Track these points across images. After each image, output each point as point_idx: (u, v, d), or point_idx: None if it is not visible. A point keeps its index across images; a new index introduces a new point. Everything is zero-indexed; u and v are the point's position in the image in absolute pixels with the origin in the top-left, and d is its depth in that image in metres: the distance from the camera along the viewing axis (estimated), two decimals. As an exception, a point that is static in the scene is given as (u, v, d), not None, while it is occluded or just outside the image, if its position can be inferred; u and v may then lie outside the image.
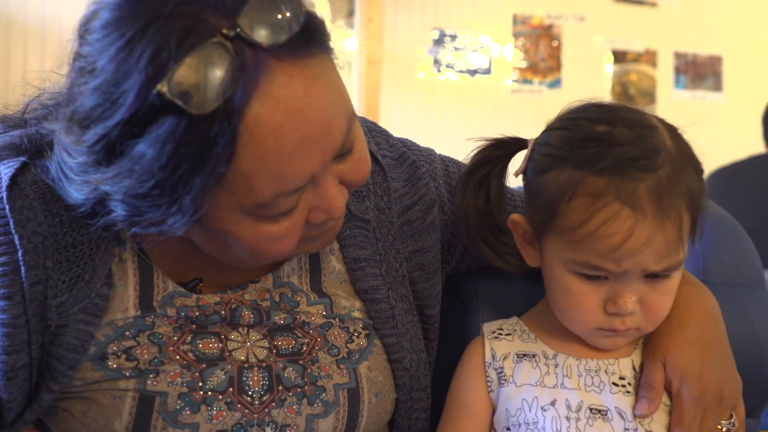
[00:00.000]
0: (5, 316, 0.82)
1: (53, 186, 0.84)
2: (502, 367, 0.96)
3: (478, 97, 4.39)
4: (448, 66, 4.34)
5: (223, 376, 0.88)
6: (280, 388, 0.91)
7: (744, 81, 4.80)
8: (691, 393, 0.91)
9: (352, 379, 0.95)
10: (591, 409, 0.91)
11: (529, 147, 0.96)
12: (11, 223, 0.82)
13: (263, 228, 0.81)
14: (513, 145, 1.01)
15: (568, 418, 0.90)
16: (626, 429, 0.90)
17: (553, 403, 0.92)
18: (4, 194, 0.84)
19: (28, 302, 0.82)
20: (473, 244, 1.04)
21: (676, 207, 0.84)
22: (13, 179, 0.85)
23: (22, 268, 0.82)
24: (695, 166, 0.88)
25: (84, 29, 0.77)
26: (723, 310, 1.04)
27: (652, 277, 0.88)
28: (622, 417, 0.91)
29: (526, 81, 4.49)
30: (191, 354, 0.89)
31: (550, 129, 0.94)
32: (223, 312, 0.92)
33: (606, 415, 0.91)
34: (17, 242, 0.82)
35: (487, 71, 4.42)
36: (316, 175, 0.81)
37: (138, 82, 0.70)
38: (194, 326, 0.91)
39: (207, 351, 0.90)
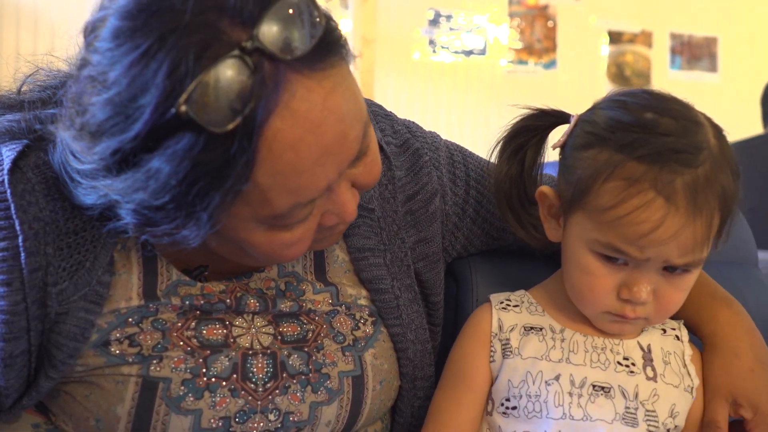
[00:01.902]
0: (4, 302, 0.80)
1: (57, 174, 0.82)
2: (508, 339, 0.96)
3: (474, 78, 4.38)
4: (443, 47, 4.32)
5: (227, 363, 0.88)
6: (284, 375, 0.90)
7: (739, 62, 4.80)
8: (765, 421, 0.94)
9: (357, 366, 0.95)
10: (594, 386, 0.92)
11: (572, 122, 0.96)
12: (12, 207, 0.81)
13: (277, 235, 0.80)
14: (555, 117, 1.01)
15: (570, 394, 0.91)
16: (627, 408, 0.91)
17: (557, 378, 0.92)
18: (6, 178, 0.82)
19: (28, 289, 0.81)
20: (500, 210, 1.04)
21: (709, 206, 0.84)
22: (15, 162, 0.83)
23: (22, 254, 0.80)
24: (734, 169, 0.88)
25: (92, 35, 0.74)
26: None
27: (671, 270, 0.88)
28: (625, 396, 0.92)
29: (521, 62, 4.47)
30: (195, 340, 0.88)
31: (597, 108, 0.93)
32: (228, 300, 0.92)
33: (609, 392, 0.92)
34: (18, 227, 0.80)
35: (483, 52, 4.40)
36: (332, 184, 0.80)
37: (155, 98, 0.68)
38: (199, 312, 0.90)
39: (211, 337, 0.89)
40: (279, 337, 0.92)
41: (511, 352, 0.95)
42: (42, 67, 0.91)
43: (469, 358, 0.98)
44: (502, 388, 0.94)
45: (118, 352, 0.85)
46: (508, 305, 1.00)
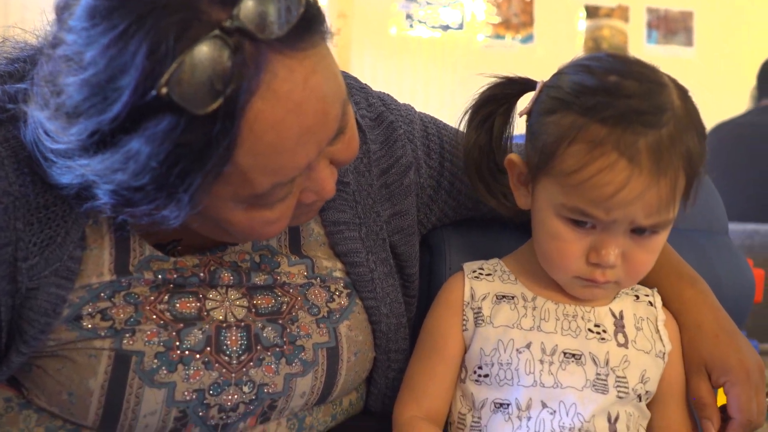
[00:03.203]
0: None
1: (28, 150, 0.80)
2: (480, 308, 0.97)
3: (450, 53, 4.36)
4: (420, 21, 4.30)
5: (201, 336, 0.88)
6: (258, 347, 0.90)
7: (715, 36, 4.81)
8: (739, 380, 0.94)
9: (331, 338, 0.95)
10: (565, 353, 0.93)
11: (538, 88, 0.95)
12: None
13: (257, 214, 0.80)
14: (522, 85, 1.00)
15: (541, 361, 0.92)
16: (598, 374, 0.92)
17: (528, 346, 0.93)
18: None
19: None
20: (470, 180, 1.04)
21: (673, 166, 0.84)
22: None
23: None
24: (699, 130, 0.88)
25: (66, 13, 0.73)
26: (688, 256, 1.09)
27: (639, 232, 0.88)
28: (595, 363, 0.93)
29: (498, 36, 4.46)
30: (168, 313, 0.88)
31: (562, 73, 0.93)
32: (201, 274, 0.91)
33: (580, 359, 0.93)
34: None
35: (460, 27, 4.38)
36: (311, 162, 0.80)
37: (134, 79, 0.66)
38: (172, 286, 0.90)
39: (184, 310, 0.89)
40: (253, 310, 0.92)
41: (483, 320, 0.96)
42: (8, 38, 0.90)
43: (442, 327, 0.99)
44: (475, 356, 0.95)
45: (90, 326, 0.84)
46: (481, 274, 1.01)
